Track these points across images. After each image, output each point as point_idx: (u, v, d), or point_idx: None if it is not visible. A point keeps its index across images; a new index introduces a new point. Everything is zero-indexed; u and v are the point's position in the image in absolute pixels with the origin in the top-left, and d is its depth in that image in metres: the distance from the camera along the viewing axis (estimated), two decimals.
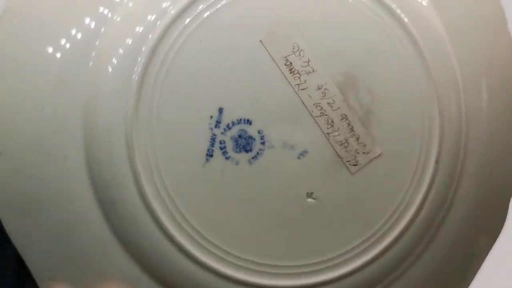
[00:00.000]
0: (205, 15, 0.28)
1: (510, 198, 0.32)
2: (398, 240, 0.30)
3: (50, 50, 0.28)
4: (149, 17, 0.28)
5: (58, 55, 0.28)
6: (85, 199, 0.28)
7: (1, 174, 0.28)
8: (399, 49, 0.29)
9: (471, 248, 0.32)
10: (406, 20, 0.29)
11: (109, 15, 0.28)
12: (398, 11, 0.29)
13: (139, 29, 0.28)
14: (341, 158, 0.29)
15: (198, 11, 0.28)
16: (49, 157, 0.28)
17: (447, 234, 0.30)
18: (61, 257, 0.29)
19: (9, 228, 0.29)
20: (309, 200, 0.29)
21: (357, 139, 0.29)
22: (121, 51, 0.28)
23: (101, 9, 0.28)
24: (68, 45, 0.28)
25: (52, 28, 0.28)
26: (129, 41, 0.27)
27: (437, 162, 0.30)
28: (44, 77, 0.28)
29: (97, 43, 0.28)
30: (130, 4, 0.28)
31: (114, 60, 0.28)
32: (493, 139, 0.31)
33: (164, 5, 0.28)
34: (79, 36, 0.28)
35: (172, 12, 0.28)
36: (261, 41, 0.28)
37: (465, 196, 0.31)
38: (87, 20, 0.28)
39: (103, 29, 0.28)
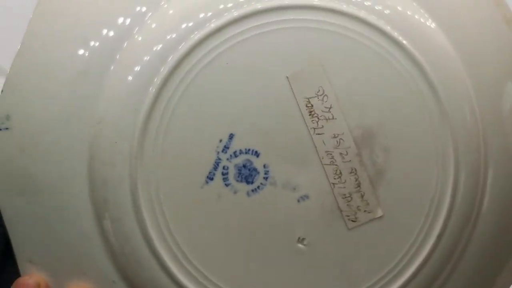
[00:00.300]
0: (236, 40, 0.27)
1: None
2: None
3: (77, 45, 0.28)
4: (168, 36, 0.28)
5: (83, 52, 0.28)
6: (80, 194, 0.28)
7: (7, 148, 0.28)
8: (423, 111, 0.28)
9: None
10: (435, 81, 0.28)
11: (135, 30, 0.28)
12: (430, 71, 0.28)
13: (157, 47, 0.27)
14: (341, 210, 0.28)
15: (228, 36, 0.27)
16: (56, 144, 0.28)
17: None
18: (45, 243, 0.29)
19: (2, 203, 0.29)
20: (299, 245, 0.28)
21: (362, 196, 0.28)
22: (145, 58, 0.27)
23: (126, 21, 0.28)
24: (97, 44, 0.28)
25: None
26: (147, 58, 0.27)
27: (438, 237, 0.29)
28: (67, 66, 0.28)
29: (117, 56, 0.28)
30: (153, 26, 0.28)
31: (137, 68, 0.27)
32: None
33: (191, 26, 0.28)
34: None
35: (197, 36, 0.27)
36: (287, 77, 0.28)
37: (461, 275, 0.30)
38: (110, 31, 0.28)
39: (125, 44, 0.28)
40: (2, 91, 0.29)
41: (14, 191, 0.29)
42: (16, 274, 0.29)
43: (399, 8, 0.29)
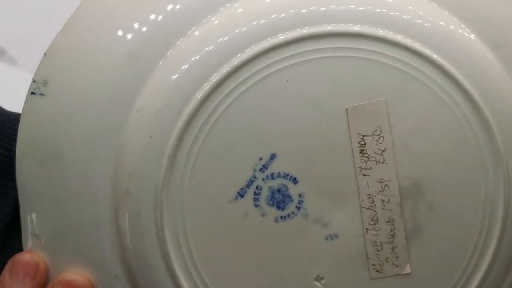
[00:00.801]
0: (301, 59, 0.25)
1: None
2: None
3: (133, 27, 0.26)
4: (207, 49, 0.26)
5: (138, 35, 0.26)
6: (102, 180, 0.27)
7: (38, 115, 0.27)
8: (479, 174, 0.26)
9: None
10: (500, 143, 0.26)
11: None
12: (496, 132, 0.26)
13: (212, 51, 0.26)
14: (368, 258, 0.27)
15: (293, 53, 0.25)
16: (90, 122, 0.26)
17: None
18: (54, 220, 0.28)
19: (19, 169, 0.27)
20: (317, 283, 0.27)
21: (393, 248, 0.27)
22: (196, 57, 0.26)
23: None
24: (153, 31, 0.26)
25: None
26: (196, 57, 0.26)
27: None
28: (119, 47, 0.26)
29: (168, 53, 0.26)
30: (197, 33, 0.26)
31: (185, 66, 0.26)
32: None
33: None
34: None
35: (258, 47, 0.25)
36: (347, 109, 0.26)
37: None
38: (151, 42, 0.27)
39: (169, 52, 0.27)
40: (45, 54, 0.27)
41: (36, 159, 0.27)
42: (19, 250, 0.28)
43: (470, 51, 0.27)
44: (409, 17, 0.26)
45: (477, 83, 0.26)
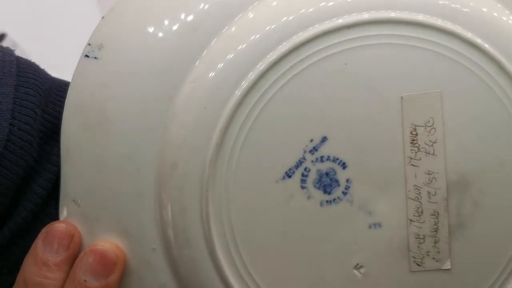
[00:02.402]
0: (359, 44, 0.25)
1: None
2: None
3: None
4: (269, 28, 0.26)
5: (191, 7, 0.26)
6: (149, 150, 0.26)
7: (90, 78, 0.27)
8: None
9: None
10: None
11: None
12: None
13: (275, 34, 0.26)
14: (409, 250, 0.27)
15: (351, 37, 0.25)
16: (142, 90, 0.26)
17: None
18: (95, 186, 0.27)
19: (65, 133, 0.27)
20: (355, 271, 0.27)
21: (435, 242, 0.27)
22: (256, 36, 0.26)
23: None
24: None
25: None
26: (243, 48, 0.26)
27: None
28: (177, 21, 0.26)
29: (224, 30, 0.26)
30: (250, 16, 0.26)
31: (242, 46, 0.26)
32: None
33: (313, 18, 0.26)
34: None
35: (317, 29, 0.25)
36: (402, 97, 0.26)
37: None
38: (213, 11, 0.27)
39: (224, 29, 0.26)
40: (103, 17, 0.27)
41: (83, 123, 0.27)
42: (55, 219, 0.27)
43: None
44: (469, 10, 0.26)
45: None
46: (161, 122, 0.26)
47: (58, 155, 0.27)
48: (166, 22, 0.26)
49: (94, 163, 0.27)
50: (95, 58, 0.27)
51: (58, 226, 0.27)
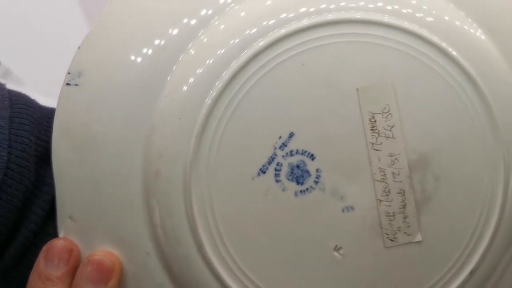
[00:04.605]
0: (314, 44, 0.28)
1: None
2: None
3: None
4: (250, 33, 0.28)
5: (167, 29, 0.29)
6: (135, 160, 0.29)
7: (73, 103, 0.29)
8: (480, 143, 0.29)
9: None
10: (497, 116, 0.29)
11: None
12: (493, 105, 0.29)
13: (237, 42, 0.28)
14: (381, 228, 0.29)
15: (307, 39, 0.28)
16: (122, 107, 0.29)
17: None
18: (88, 201, 0.29)
19: (55, 155, 0.29)
20: (335, 253, 0.29)
21: (405, 218, 0.29)
22: (220, 50, 0.28)
23: (192, 22, 0.29)
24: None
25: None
26: (221, 51, 0.28)
27: (471, 273, 0.29)
28: (150, 38, 0.29)
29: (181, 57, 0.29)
30: (222, 27, 0.29)
31: (209, 61, 0.28)
32: None
33: (269, 26, 0.28)
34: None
35: (275, 35, 0.28)
36: (357, 89, 0.28)
37: None
38: (176, 32, 0.29)
39: (190, 44, 0.29)
40: (79, 47, 0.29)
41: (70, 145, 0.29)
42: (54, 237, 0.29)
43: (467, 35, 0.29)
44: (415, 7, 0.29)
45: (476, 63, 0.29)
46: (142, 135, 0.29)
47: (51, 177, 0.29)
48: (138, 47, 0.29)
49: (86, 180, 0.29)
50: (76, 85, 0.29)
51: (57, 243, 0.29)
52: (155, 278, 0.30)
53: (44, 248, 0.29)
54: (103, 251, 0.29)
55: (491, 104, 0.29)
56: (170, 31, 0.29)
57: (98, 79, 0.29)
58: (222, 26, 0.29)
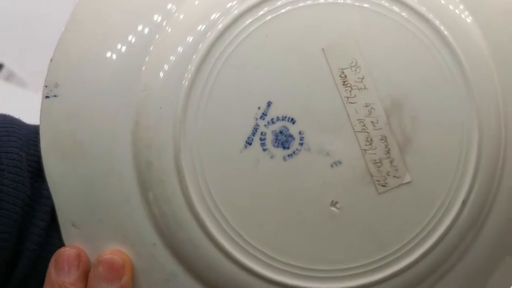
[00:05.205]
0: (275, 14, 0.29)
1: None
2: (407, 270, 0.30)
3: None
4: (213, 16, 0.30)
5: (133, 22, 0.30)
6: (124, 158, 0.30)
7: (55, 114, 0.30)
8: (451, 85, 0.30)
9: None
10: (463, 59, 0.30)
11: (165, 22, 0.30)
12: (457, 48, 0.30)
13: (201, 27, 0.29)
14: (371, 175, 0.30)
15: (267, 10, 0.29)
16: (103, 109, 0.30)
17: (461, 272, 0.31)
18: (88, 206, 0.30)
19: (47, 167, 0.30)
20: (332, 208, 0.30)
21: (391, 162, 0.30)
22: (188, 38, 0.29)
23: (155, 17, 0.30)
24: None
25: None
26: (189, 37, 0.29)
27: (464, 203, 0.30)
28: (117, 36, 0.30)
29: (151, 48, 0.30)
30: (196, 2, 0.30)
31: (180, 40, 0.29)
32: None
33: (229, 4, 0.30)
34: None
35: (236, 11, 0.29)
36: (323, 49, 0.30)
37: (485, 240, 0.32)
38: (141, 27, 0.30)
39: (157, 36, 0.30)
40: (51, 60, 0.30)
41: (60, 155, 0.30)
42: (60, 246, 0.30)
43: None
44: None
45: (438, 14, 0.30)
46: (127, 131, 0.30)
47: (47, 189, 0.30)
48: (108, 47, 0.30)
49: (81, 186, 0.30)
50: (55, 96, 0.30)
51: (64, 251, 0.30)
52: (166, 268, 0.30)
53: (52, 258, 0.30)
54: (112, 250, 0.30)
55: (460, 56, 0.30)
56: (137, 27, 0.30)
57: (75, 86, 0.30)
58: (181, 16, 0.30)
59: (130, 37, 0.30)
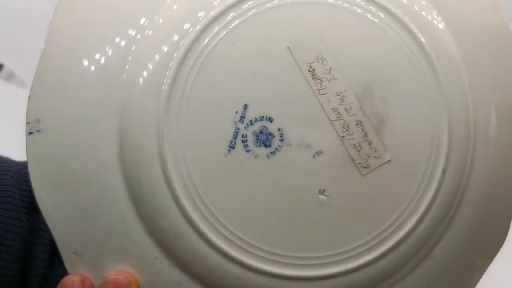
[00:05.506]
0: (240, 20, 0.31)
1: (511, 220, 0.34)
2: (399, 245, 0.32)
3: (96, 45, 0.31)
4: (185, 26, 0.31)
5: (103, 49, 0.31)
6: (114, 180, 0.31)
7: (41, 148, 0.31)
8: (415, 66, 0.32)
9: (470, 260, 0.34)
10: (423, 40, 0.32)
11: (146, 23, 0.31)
12: (417, 32, 0.32)
13: (174, 37, 0.30)
14: (353, 160, 0.31)
15: (231, 18, 0.30)
16: (86, 135, 0.30)
17: (451, 240, 0.32)
18: (86, 232, 0.31)
19: (40, 201, 0.31)
20: (321, 196, 0.31)
21: (370, 144, 0.31)
22: (162, 47, 0.30)
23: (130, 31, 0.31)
24: (115, 42, 0.31)
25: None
26: (163, 47, 0.31)
27: (443, 172, 0.32)
28: (89, 66, 0.31)
29: (133, 48, 0.31)
30: (161, 20, 0.31)
31: (154, 56, 0.30)
32: (498, 163, 0.33)
33: (199, 14, 0.31)
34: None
35: (204, 21, 0.30)
36: (288, 47, 0.31)
37: (468, 209, 0.33)
38: (111, 53, 0.31)
39: (133, 47, 0.31)
40: (29, 97, 0.31)
41: (51, 187, 0.31)
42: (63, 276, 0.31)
43: None
44: None
45: (410, 16, 0.32)
46: (113, 151, 0.31)
47: (44, 222, 0.31)
48: (80, 75, 0.31)
49: (76, 214, 0.31)
50: (38, 131, 0.31)
51: (68, 279, 0.30)
52: (171, 279, 0.31)
53: (58, 287, 0.30)
54: (116, 270, 0.31)
55: (421, 39, 0.32)
56: (108, 53, 0.31)
57: (56, 117, 0.31)
58: (150, 32, 0.31)
59: (104, 61, 0.31)
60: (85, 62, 0.31)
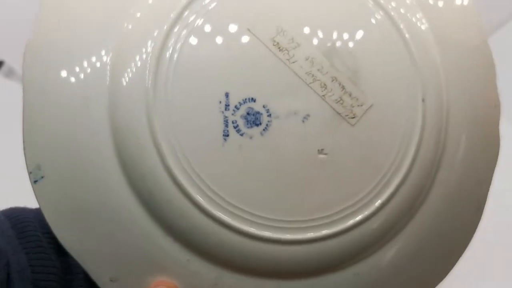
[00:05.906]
0: (203, 12, 0.32)
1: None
2: (406, 179, 0.33)
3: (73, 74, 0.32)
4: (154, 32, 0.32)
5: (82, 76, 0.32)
6: (126, 199, 0.32)
7: (49, 194, 0.32)
8: (374, 17, 0.34)
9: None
10: None
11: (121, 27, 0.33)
12: None
13: (146, 39, 0.32)
14: (339, 114, 0.33)
15: (196, 11, 0.32)
16: (87, 164, 0.32)
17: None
18: (115, 256, 0.32)
19: (63, 240, 0.32)
20: (321, 156, 0.33)
21: (350, 95, 0.33)
22: (135, 48, 0.32)
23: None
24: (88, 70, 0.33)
25: (71, 58, 0.33)
26: (136, 48, 0.32)
27: (423, 100, 0.33)
28: (71, 95, 0.32)
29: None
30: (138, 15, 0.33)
31: (132, 61, 0.32)
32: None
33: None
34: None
35: (173, 14, 0.32)
36: (248, 29, 0.33)
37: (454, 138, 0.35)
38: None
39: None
40: (24, 148, 0.32)
41: (69, 226, 0.32)
42: None
43: None
44: None
45: None
46: (119, 172, 0.32)
47: (73, 258, 0.32)
48: (61, 106, 0.32)
49: (101, 244, 0.32)
50: (42, 177, 0.32)
51: None
52: (209, 275, 0.32)
53: None
54: (154, 283, 0.31)
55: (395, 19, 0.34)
56: (86, 77, 0.32)
57: (55, 159, 0.32)
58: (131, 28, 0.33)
59: (88, 91, 0.32)
60: (66, 88, 0.32)
